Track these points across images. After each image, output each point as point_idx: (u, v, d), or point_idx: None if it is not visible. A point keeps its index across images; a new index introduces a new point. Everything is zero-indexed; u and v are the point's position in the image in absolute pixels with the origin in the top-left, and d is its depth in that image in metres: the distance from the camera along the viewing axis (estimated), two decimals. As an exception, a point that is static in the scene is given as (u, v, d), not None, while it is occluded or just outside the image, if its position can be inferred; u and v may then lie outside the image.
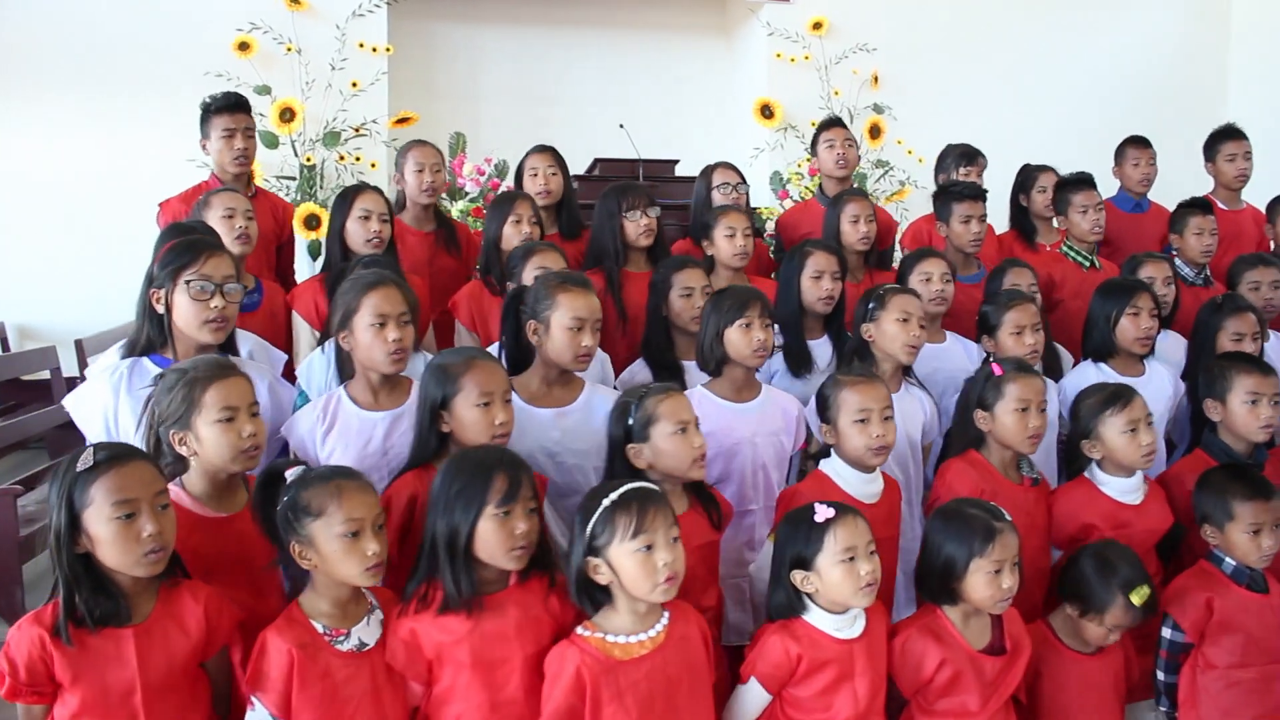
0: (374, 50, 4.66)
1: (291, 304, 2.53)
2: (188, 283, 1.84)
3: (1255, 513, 1.87)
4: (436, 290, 2.67)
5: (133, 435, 1.77)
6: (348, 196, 2.57)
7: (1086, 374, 2.44)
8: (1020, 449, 2.00)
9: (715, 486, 1.93)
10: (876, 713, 1.62)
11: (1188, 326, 2.67)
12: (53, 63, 4.43)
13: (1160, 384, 2.46)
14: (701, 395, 2.07)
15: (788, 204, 4.55)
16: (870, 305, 2.26)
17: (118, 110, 4.46)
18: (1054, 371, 2.53)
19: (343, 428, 1.89)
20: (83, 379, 3.78)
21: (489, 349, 2.12)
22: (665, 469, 1.76)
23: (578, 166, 3.33)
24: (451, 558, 1.48)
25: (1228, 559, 1.91)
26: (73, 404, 1.91)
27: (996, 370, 2.02)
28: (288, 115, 4.38)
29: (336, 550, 1.43)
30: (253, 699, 1.44)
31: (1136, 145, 3.44)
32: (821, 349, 2.47)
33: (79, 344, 3.81)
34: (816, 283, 2.48)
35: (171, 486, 1.62)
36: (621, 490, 1.49)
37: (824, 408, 1.95)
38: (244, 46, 4.44)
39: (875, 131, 5.05)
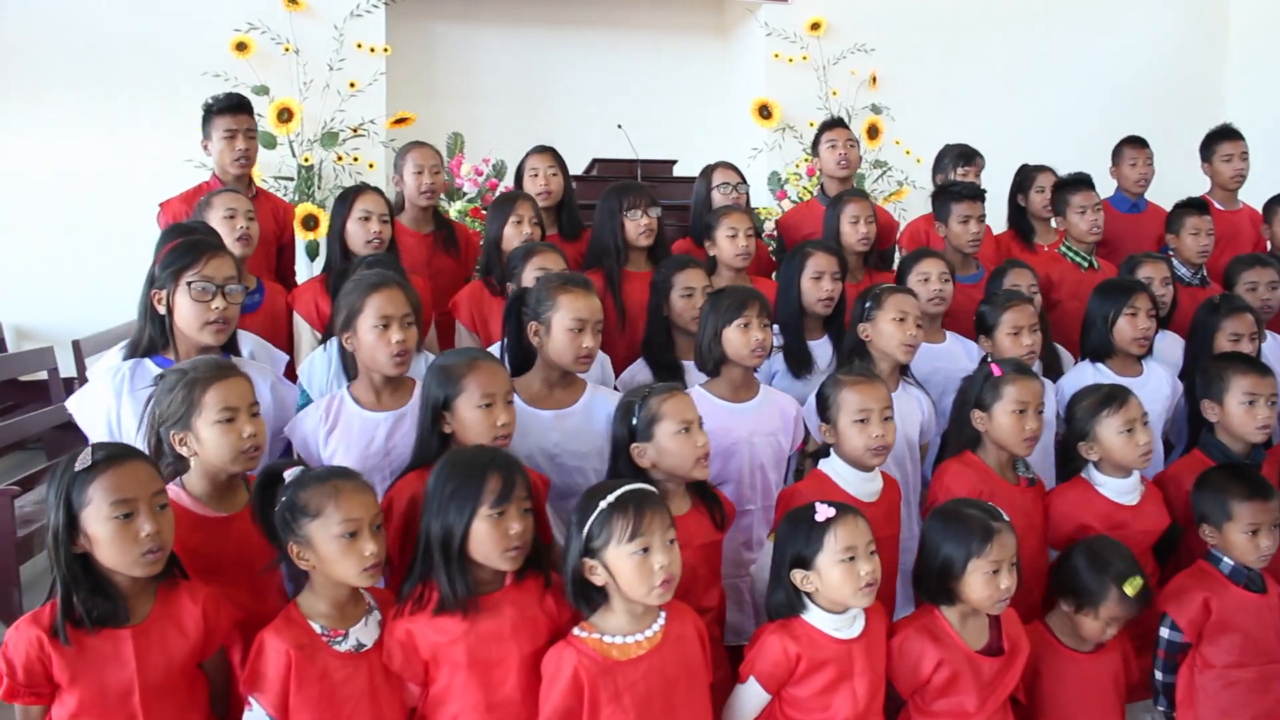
0: (372, 50, 4.66)
1: (293, 305, 2.53)
2: (189, 284, 1.84)
3: (1254, 513, 1.87)
4: (436, 291, 2.67)
5: (135, 436, 1.76)
6: (347, 197, 2.57)
7: (1084, 374, 2.45)
8: (1016, 451, 2.01)
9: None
10: (875, 713, 1.62)
11: (1185, 327, 2.67)
12: (51, 63, 4.42)
13: (1158, 384, 2.47)
14: (699, 395, 2.07)
15: (785, 204, 4.55)
16: (867, 305, 2.26)
17: (116, 111, 4.45)
18: (1054, 372, 2.54)
19: (345, 428, 1.89)
20: (81, 379, 3.80)
21: (490, 349, 2.13)
22: (668, 468, 1.76)
23: (576, 167, 3.33)
24: (446, 559, 1.48)
25: (1226, 559, 1.91)
26: (75, 406, 1.91)
27: (996, 371, 2.02)
28: (285, 116, 4.38)
29: (334, 551, 1.43)
30: (250, 699, 1.44)
31: (1133, 145, 3.44)
32: (822, 349, 2.47)
33: (77, 344, 3.81)
34: (816, 283, 2.48)
35: (171, 486, 1.63)
36: (618, 492, 1.49)
37: (824, 407, 1.95)
38: (242, 47, 4.43)
39: (873, 132, 5.06)
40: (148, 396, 1.68)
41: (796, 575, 1.60)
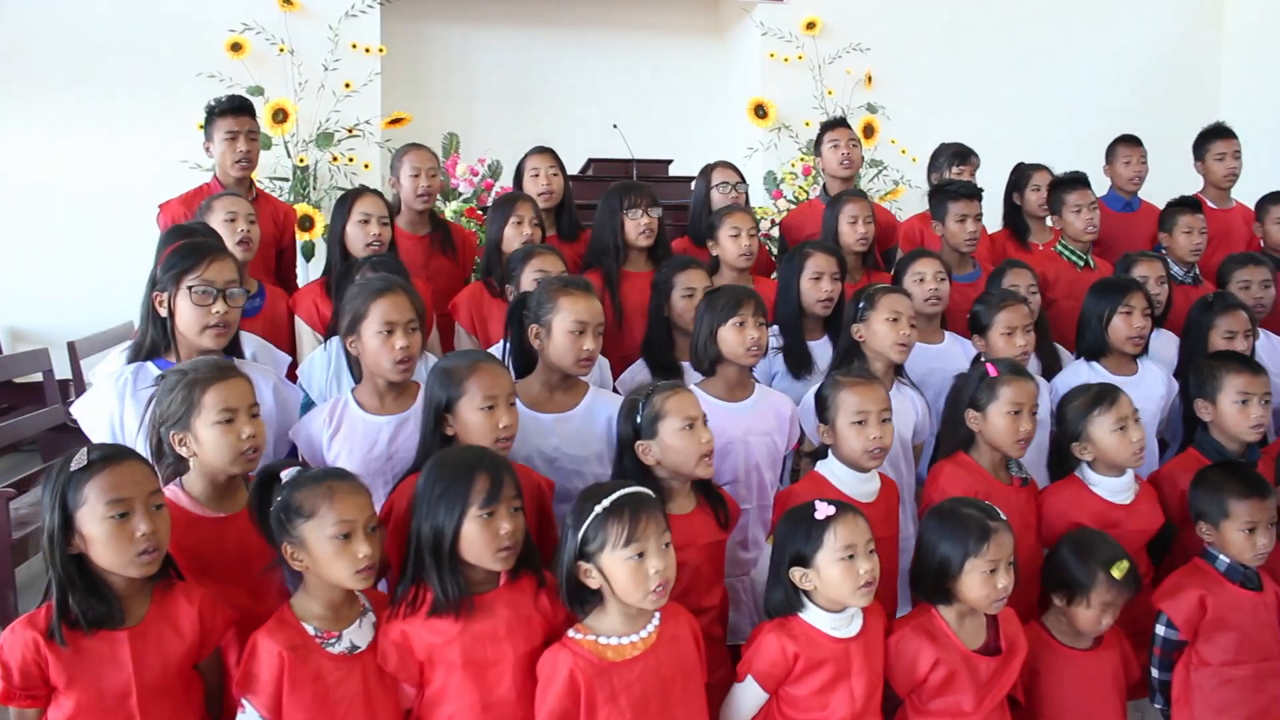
0: (367, 51, 4.65)
1: (293, 308, 2.53)
2: (190, 288, 1.84)
3: (1251, 511, 1.88)
4: (434, 293, 2.67)
5: (137, 439, 1.76)
6: (347, 200, 2.57)
7: (1079, 373, 2.45)
8: (1009, 452, 2.01)
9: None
10: (873, 712, 1.62)
11: (1178, 325, 2.68)
12: (46, 64, 4.41)
13: (1153, 383, 2.47)
14: (695, 394, 2.07)
15: (782, 204, 4.56)
16: (860, 306, 2.26)
17: (111, 112, 4.44)
18: (1054, 371, 2.53)
19: (348, 431, 1.89)
20: (76, 381, 3.80)
21: (491, 351, 2.12)
22: (672, 465, 1.76)
23: (572, 167, 3.33)
24: (437, 560, 1.48)
25: (1222, 556, 1.92)
26: (79, 411, 1.91)
27: (991, 371, 2.02)
28: (281, 116, 4.37)
29: (327, 552, 1.43)
30: (243, 701, 1.43)
31: (1127, 144, 3.44)
32: (822, 350, 2.47)
33: (72, 346, 3.80)
34: (816, 284, 2.48)
35: (171, 487, 1.63)
36: (613, 497, 1.48)
37: (822, 408, 1.95)
38: (236, 47, 4.43)
39: (869, 131, 5.06)
40: (149, 398, 1.68)
41: (795, 573, 1.60)
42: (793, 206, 4.44)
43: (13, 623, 1.39)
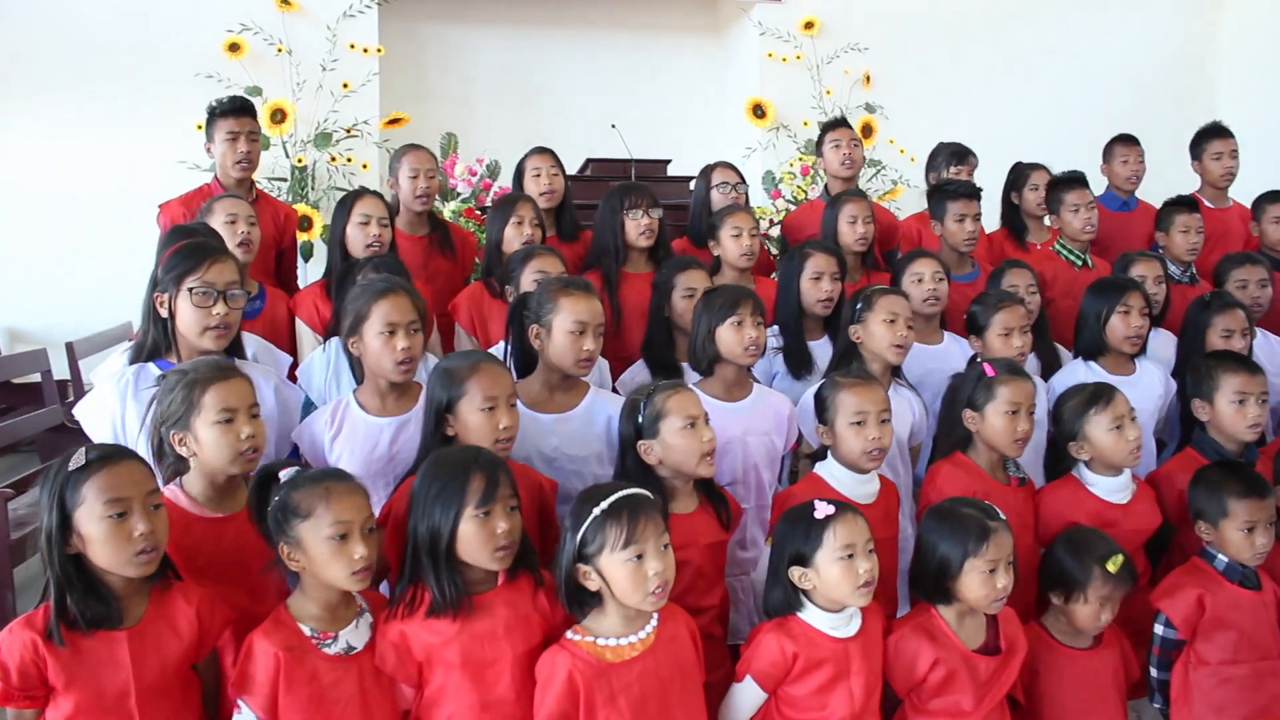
0: (365, 51, 4.65)
1: (294, 310, 2.53)
2: (190, 289, 1.84)
3: (1250, 510, 1.87)
4: (433, 293, 2.67)
5: (140, 441, 1.76)
6: (347, 202, 2.58)
7: (1076, 372, 2.45)
8: (1007, 452, 2.00)
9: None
10: (872, 712, 1.62)
11: (1176, 325, 2.68)
12: (43, 65, 4.40)
13: (1151, 382, 2.46)
14: (696, 394, 2.07)
15: (780, 204, 4.56)
16: (858, 307, 2.26)
17: (109, 112, 4.43)
18: (1054, 371, 2.53)
19: (350, 433, 1.89)
20: (75, 382, 3.79)
21: (492, 350, 2.12)
22: (674, 464, 1.77)
23: (570, 167, 3.33)
24: (434, 560, 1.48)
25: (1220, 555, 1.92)
26: (81, 412, 1.91)
27: (989, 371, 2.02)
28: (279, 116, 4.36)
29: (324, 553, 1.42)
30: (239, 702, 1.43)
31: (1124, 143, 3.44)
32: (822, 350, 2.47)
33: (70, 347, 3.80)
34: (816, 284, 2.48)
35: (170, 487, 1.63)
36: (612, 498, 1.48)
37: (821, 409, 1.95)
38: (234, 48, 4.42)
39: (867, 131, 5.06)
40: (151, 398, 1.68)
41: (794, 573, 1.60)
42: (791, 206, 4.44)
43: (10, 623, 1.39)
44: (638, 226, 2.66)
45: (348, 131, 4.57)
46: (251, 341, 2.13)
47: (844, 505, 1.63)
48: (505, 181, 4.07)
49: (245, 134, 2.80)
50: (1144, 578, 2.05)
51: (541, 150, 3.04)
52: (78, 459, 1.38)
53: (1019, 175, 3.37)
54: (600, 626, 1.50)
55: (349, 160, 4.58)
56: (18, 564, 2.76)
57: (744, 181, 3.15)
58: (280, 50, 4.50)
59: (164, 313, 1.87)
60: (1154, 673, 1.92)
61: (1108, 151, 3.49)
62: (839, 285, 2.50)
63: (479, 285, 2.64)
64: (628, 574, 1.45)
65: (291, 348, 2.46)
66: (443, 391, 1.74)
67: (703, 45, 5.74)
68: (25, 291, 4.40)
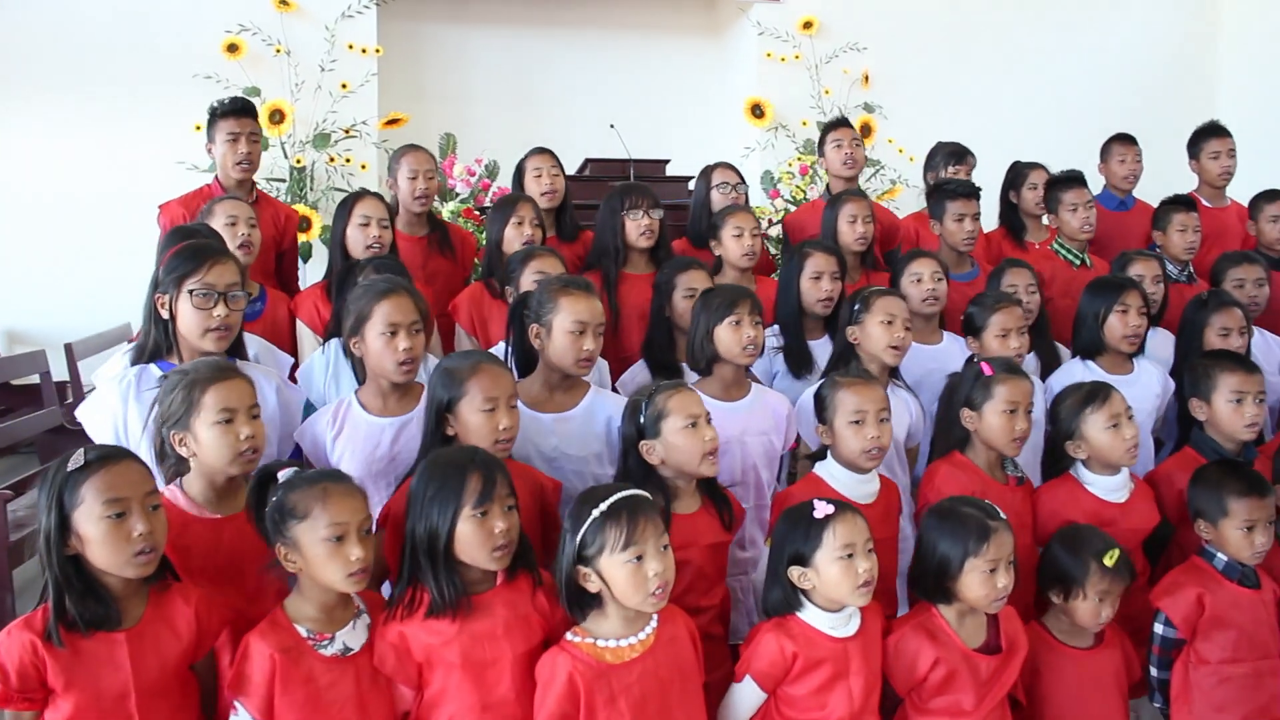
0: (363, 51, 4.65)
1: (294, 312, 2.54)
2: (190, 291, 1.84)
3: (1250, 509, 1.87)
4: (432, 293, 2.66)
5: (142, 442, 1.77)
6: (348, 203, 2.59)
7: (1074, 372, 2.45)
8: (1004, 451, 2.00)
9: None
10: (871, 711, 1.62)
11: (1173, 324, 2.68)
12: (41, 66, 4.40)
13: (1149, 382, 2.46)
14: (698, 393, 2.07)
15: (779, 204, 4.56)
16: (855, 308, 2.26)
17: (107, 113, 4.43)
18: (1054, 370, 2.53)
19: (351, 433, 1.90)
20: (74, 383, 3.79)
21: (493, 350, 2.12)
22: (676, 464, 1.77)
23: (569, 167, 3.33)
24: (432, 561, 1.47)
25: (1220, 554, 1.92)
26: (84, 414, 1.91)
27: (987, 370, 2.02)
28: (277, 117, 4.36)
29: (320, 554, 1.42)
30: (235, 703, 1.43)
31: (1122, 142, 3.44)
32: (822, 349, 2.47)
33: (69, 348, 3.80)
34: (816, 283, 2.48)
35: (170, 487, 1.63)
36: (611, 500, 1.48)
37: (820, 408, 1.95)
38: (233, 48, 4.42)
39: (866, 130, 5.06)
40: (153, 399, 1.69)
41: (794, 572, 1.60)
42: (790, 206, 4.44)
43: (9, 625, 1.38)
44: (638, 227, 2.66)
45: (346, 132, 4.56)
46: (253, 343, 2.13)
47: (843, 505, 1.63)
48: (504, 182, 4.06)
49: (246, 135, 2.80)
50: (1143, 577, 2.05)
51: (542, 150, 3.04)
52: (76, 459, 1.38)
53: (1017, 174, 3.37)
54: (600, 628, 1.50)
55: (348, 161, 4.58)
56: (17, 565, 2.77)
57: (744, 182, 3.16)
58: (279, 51, 4.50)
59: (165, 314, 1.87)
60: (1154, 672, 1.92)
61: (1105, 151, 3.49)
62: (839, 284, 2.50)
63: (479, 286, 2.65)
64: (628, 575, 1.45)
65: (292, 349, 2.46)
66: (443, 391, 1.74)
67: (701, 45, 5.74)
68: (24, 293, 4.39)
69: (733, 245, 2.66)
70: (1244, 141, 3.49)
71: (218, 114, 2.82)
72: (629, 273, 2.70)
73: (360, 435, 1.89)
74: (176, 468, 1.64)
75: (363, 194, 2.62)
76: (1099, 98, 5.36)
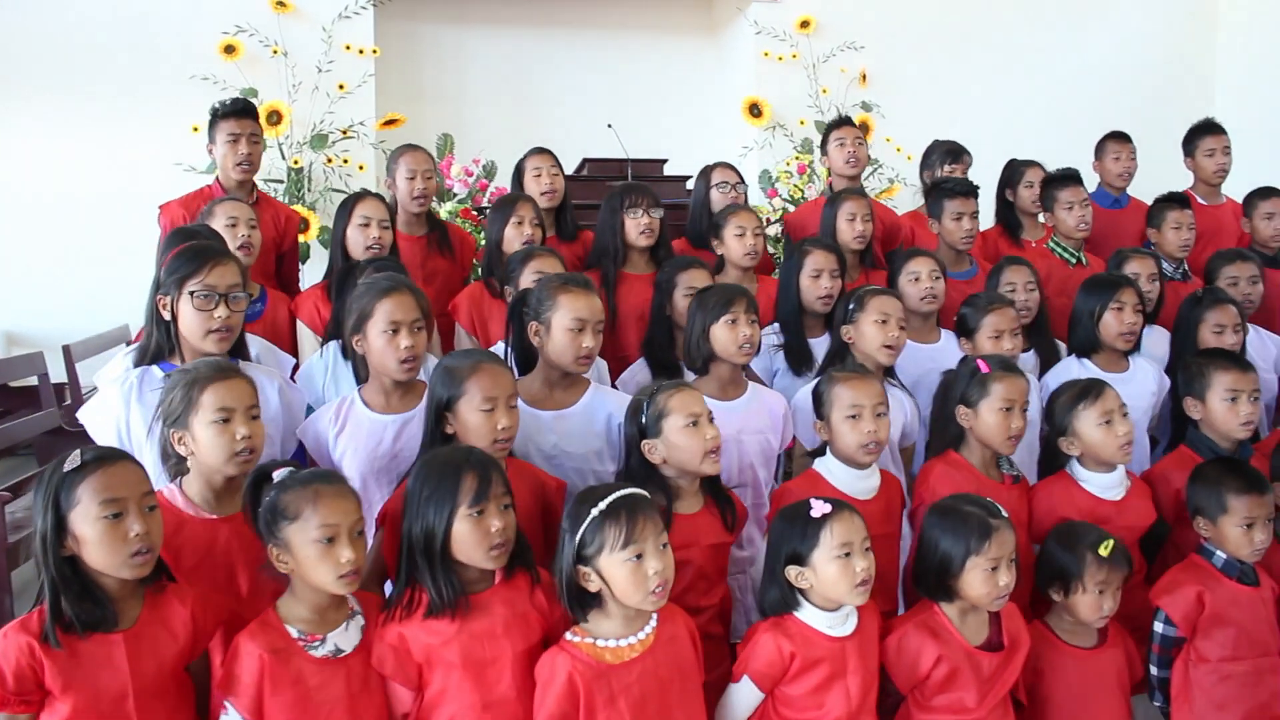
0: (360, 52, 4.65)
1: (295, 312, 2.54)
2: (191, 293, 1.84)
3: (1249, 507, 1.87)
4: (432, 293, 2.67)
5: (145, 444, 1.77)
6: (348, 204, 2.59)
7: (1070, 370, 2.45)
8: (1000, 449, 2.00)
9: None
10: (868, 711, 1.62)
11: (1169, 321, 2.68)
12: (39, 67, 4.39)
13: (1144, 379, 2.47)
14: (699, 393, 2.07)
15: (777, 203, 4.57)
16: (849, 307, 2.27)
17: (104, 115, 4.42)
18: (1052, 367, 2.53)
19: (353, 430, 1.90)
20: (72, 384, 3.78)
21: (493, 350, 2.13)
22: (678, 463, 1.77)
23: (566, 167, 3.34)
24: (429, 561, 1.48)
25: (1219, 552, 1.91)
26: (86, 416, 1.91)
27: (983, 367, 2.02)
28: (275, 118, 4.36)
29: (311, 556, 1.42)
30: (225, 703, 1.43)
31: (1116, 140, 3.44)
32: (823, 347, 2.47)
33: (67, 350, 3.79)
34: (815, 281, 2.49)
35: (169, 486, 1.64)
36: (610, 499, 1.48)
37: (818, 404, 1.96)
38: (230, 49, 4.42)
39: (863, 130, 5.06)
40: (158, 400, 1.69)
41: (791, 572, 1.60)
42: (788, 205, 4.45)
43: (4, 627, 1.38)
44: (637, 226, 2.66)
45: (344, 133, 4.56)
46: (254, 343, 2.13)
47: (840, 503, 1.63)
48: (501, 182, 4.06)
49: (246, 136, 2.81)
50: (1139, 575, 2.05)
51: (541, 150, 3.05)
52: (73, 460, 1.38)
53: (1014, 172, 3.38)
54: (600, 628, 1.50)
55: (345, 162, 4.58)
56: (15, 567, 2.76)
57: (743, 181, 3.16)
58: (276, 52, 4.50)
59: (166, 315, 1.88)
60: (1154, 670, 1.92)
61: (1100, 149, 3.49)
62: (839, 282, 2.50)
63: (479, 285, 2.65)
64: (627, 574, 1.45)
65: (292, 349, 2.46)
66: (443, 390, 1.74)
67: (699, 45, 5.75)
68: (22, 294, 4.38)
69: (735, 245, 2.67)
70: (1242, 139, 3.49)
71: (218, 115, 2.83)
72: (628, 272, 2.70)
73: (363, 432, 1.90)
74: (178, 467, 1.64)
75: (363, 195, 2.62)
76: (1097, 96, 5.37)
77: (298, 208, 4.15)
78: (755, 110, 5.13)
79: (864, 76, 5.24)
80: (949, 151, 3.48)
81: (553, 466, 1.94)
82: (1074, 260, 3.03)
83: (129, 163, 4.31)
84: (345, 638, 1.49)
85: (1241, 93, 5.51)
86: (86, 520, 1.36)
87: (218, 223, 2.41)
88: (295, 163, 4.43)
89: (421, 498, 1.49)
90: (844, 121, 3.38)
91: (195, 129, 4.02)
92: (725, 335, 2.07)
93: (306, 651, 1.45)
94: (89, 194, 4.35)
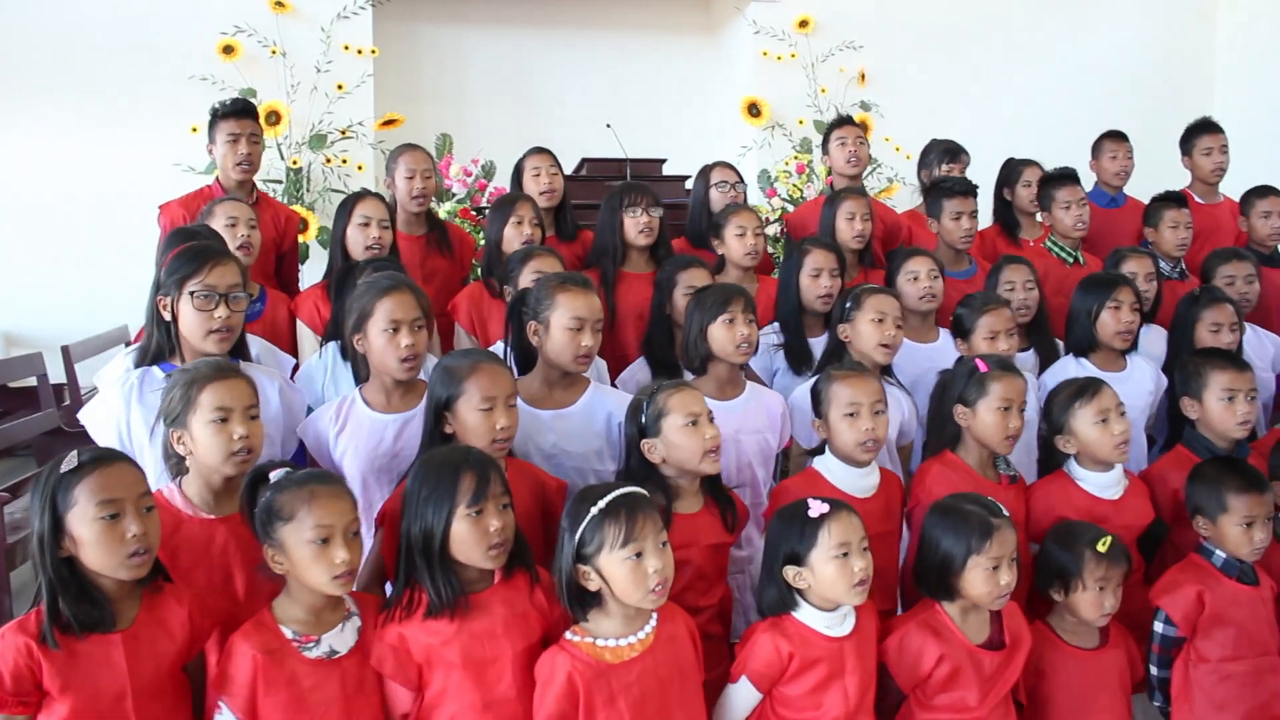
0: (359, 52, 4.65)
1: (295, 312, 2.54)
2: (192, 293, 1.84)
3: (1249, 505, 1.87)
4: (431, 293, 2.67)
5: (146, 445, 1.77)
6: (348, 204, 2.59)
7: (1067, 369, 2.45)
8: (997, 449, 2.00)
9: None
10: (866, 711, 1.62)
11: (1166, 320, 2.67)
12: (38, 67, 4.39)
13: (1141, 379, 2.46)
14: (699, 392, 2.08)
15: (775, 202, 4.58)
16: (847, 305, 2.27)
17: (103, 115, 4.42)
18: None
19: (354, 429, 1.90)
20: (71, 385, 3.78)
21: (492, 349, 2.13)
22: (677, 462, 1.77)
23: (565, 167, 3.35)
24: (428, 561, 1.48)
25: (1218, 551, 1.91)
26: (86, 416, 1.92)
27: (982, 366, 2.01)
28: (273, 118, 4.36)
29: (305, 556, 1.42)
30: (219, 702, 1.43)
31: (1113, 139, 3.44)
32: (823, 346, 2.46)
33: (66, 350, 3.79)
34: (815, 280, 2.49)
35: (169, 485, 1.64)
36: (609, 498, 1.48)
37: (816, 402, 1.96)
38: (229, 50, 4.42)
39: (862, 129, 5.07)
40: (159, 401, 1.69)
41: (789, 572, 1.60)
42: (787, 205, 4.46)
43: (2, 628, 1.38)
44: (636, 224, 2.67)
45: (343, 133, 4.56)
46: (254, 344, 2.13)
47: (838, 503, 1.63)
48: (500, 182, 4.07)
49: (246, 136, 2.81)
50: (1138, 574, 2.05)
51: (540, 150, 3.05)
52: (69, 461, 1.38)
53: (1011, 171, 3.38)
54: (600, 627, 1.50)
55: (344, 162, 4.58)
56: (14, 568, 2.77)
57: (742, 180, 3.16)
58: (274, 52, 4.50)
59: (167, 316, 1.88)
60: (1154, 670, 1.92)
61: (1096, 148, 3.49)
62: (839, 281, 2.50)
63: (479, 285, 2.65)
64: (627, 572, 1.45)
65: (292, 349, 2.46)
66: (442, 390, 1.74)
67: (697, 44, 5.75)
68: (20, 295, 4.39)
69: (735, 244, 2.67)
70: (1242, 139, 3.49)
71: (218, 115, 2.83)
72: (627, 271, 2.70)
73: (364, 431, 1.90)
74: (179, 467, 1.65)
75: (363, 194, 2.62)
76: (1096, 95, 5.37)
77: (296, 208, 4.15)
78: (754, 110, 5.14)
79: (862, 76, 5.25)
80: (946, 151, 3.48)
81: (552, 466, 1.94)
82: (1071, 259, 3.03)
83: (128, 163, 4.31)
84: (340, 639, 1.49)
85: (1241, 92, 5.51)
86: (84, 521, 1.36)
87: (217, 223, 2.41)
88: (294, 163, 4.43)
89: (420, 498, 1.49)
90: (845, 121, 3.38)
91: (194, 129, 4.02)
92: (723, 335, 2.07)
93: (300, 652, 1.45)
94: (88, 194, 4.35)
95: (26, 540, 2.73)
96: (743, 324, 2.07)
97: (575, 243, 2.98)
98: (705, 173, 3.14)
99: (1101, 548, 1.75)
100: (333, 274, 2.55)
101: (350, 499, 1.49)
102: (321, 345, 2.31)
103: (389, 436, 1.90)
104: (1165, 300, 2.78)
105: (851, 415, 1.88)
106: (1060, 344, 2.63)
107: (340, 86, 4.58)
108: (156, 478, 1.71)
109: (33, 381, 3.88)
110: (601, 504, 1.48)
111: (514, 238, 2.62)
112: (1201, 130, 3.43)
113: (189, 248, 1.92)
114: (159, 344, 1.90)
